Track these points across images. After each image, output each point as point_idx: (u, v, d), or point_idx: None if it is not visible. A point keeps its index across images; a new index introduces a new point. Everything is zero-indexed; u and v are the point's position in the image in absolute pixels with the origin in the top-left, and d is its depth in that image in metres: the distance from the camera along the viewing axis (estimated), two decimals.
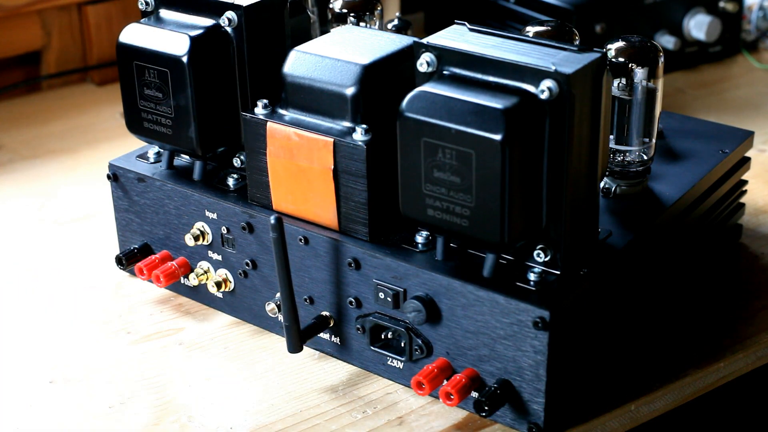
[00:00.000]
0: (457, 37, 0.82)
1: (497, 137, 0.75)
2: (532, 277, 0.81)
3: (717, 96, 1.40)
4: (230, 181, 0.95)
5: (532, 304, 0.79)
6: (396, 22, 1.13)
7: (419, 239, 0.86)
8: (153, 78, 0.93)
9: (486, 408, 0.81)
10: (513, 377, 0.82)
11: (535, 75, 0.77)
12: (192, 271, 0.98)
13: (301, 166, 0.87)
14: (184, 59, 0.91)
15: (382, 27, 1.07)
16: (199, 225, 0.96)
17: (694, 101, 1.38)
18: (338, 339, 0.91)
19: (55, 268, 1.06)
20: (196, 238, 0.96)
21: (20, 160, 1.28)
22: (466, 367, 0.84)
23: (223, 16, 0.93)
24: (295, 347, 0.88)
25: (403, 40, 0.89)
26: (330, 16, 1.05)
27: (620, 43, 0.91)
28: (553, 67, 0.76)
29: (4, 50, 1.43)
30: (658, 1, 1.39)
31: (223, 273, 0.96)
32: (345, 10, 1.04)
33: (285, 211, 0.90)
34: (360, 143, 0.84)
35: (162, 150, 1.00)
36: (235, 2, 0.92)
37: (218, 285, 0.96)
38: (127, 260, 1.00)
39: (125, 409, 0.87)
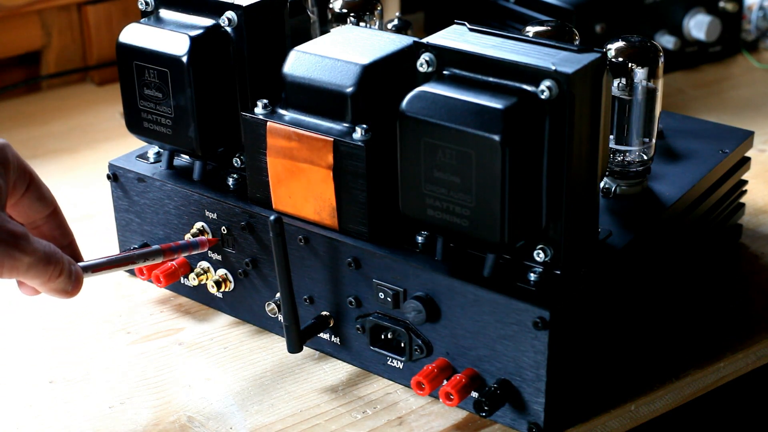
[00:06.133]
0: (457, 37, 0.82)
1: (497, 137, 0.75)
2: (532, 277, 0.81)
3: (717, 96, 1.40)
4: (230, 181, 0.95)
5: (532, 304, 0.79)
6: (396, 22, 1.13)
7: (419, 239, 0.86)
8: (153, 78, 0.93)
9: (486, 408, 0.81)
10: (513, 377, 0.82)
11: (535, 75, 0.77)
12: (192, 271, 0.98)
13: (301, 166, 0.87)
14: (184, 59, 0.91)
15: (382, 27, 1.07)
16: (199, 225, 0.96)
17: (694, 101, 1.38)
18: (338, 339, 0.91)
19: None
20: (195, 238, 0.96)
21: None
22: (466, 367, 0.84)
23: (223, 16, 0.93)
24: (295, 347, 0.88)
25: (403, 40, 0.89)
26: (330, 16, 1.05)
27: (620, 43, 0.91)
28: (553, 67, 0.76)
29: (4, 50, 1.43)
30: (658, 1, 1.39)
31: (222, 273, 0.96)
32: (345, 10, 1.04)
33: (285, 211, 0.90)
34: (360, 143, 0.84)
35: (162, 150, 1.00)
36: (235, 2, 0.92)
37: (218, 285, 0.96)
38: None
39: (125, 409, 0.87)
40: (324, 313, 0.91)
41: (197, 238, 0.93)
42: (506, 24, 1.38)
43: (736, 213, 1.05)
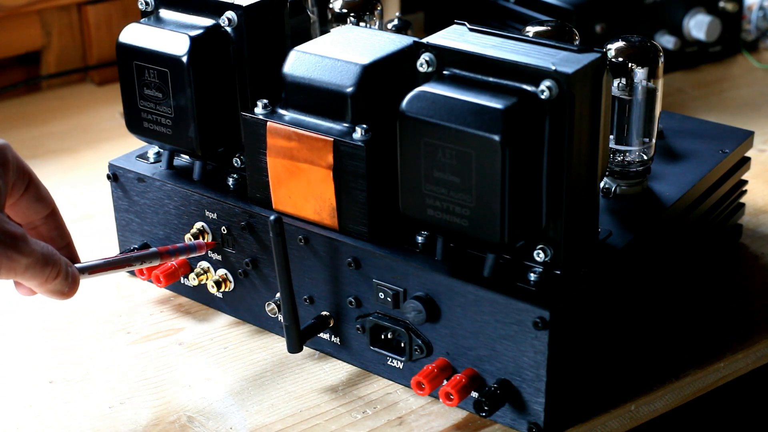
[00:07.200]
0: (457, 37, 0.82)
1: (497, 137, 0.75)
2: (532, 277, 0.81)
3: (717, 96, 1.40)
4: (230, 181, 0.95)
5: (532, 304, 0.79)
6: (396, 22, 1.13)
7: (419, 239, 0.86)
8: (153, 78, 0.93)
9: (486, 408, 0.81)
10: (513, 377, 0.82)
11: (535, 75, 0.77)
12: (192, 271, 0.98)
13: (301, 166, 0.87)
14: (184, 59, 0.91)
15: (382, 27, 1.07)
16: (199, 225, 0.96)
17: (694, 101, 1.38)
18: (338, 339, 0.91)
19: None
20: (195, 238, 0.96)
21: None
22: (466, 367, 0.84)
23: (223, 16, 0.93)
24: (295, 347, 0.88)
25: (403, 40, 0.89)
26: (330, 16, 1.06)
27: (620, 43, 0.91)
28: (553, 67, 0.76)
29: (4, 50, 1.43)
30: (658, 1, 1.39)
31: (222, 273, 0.96)
32: (345, 10, 1.04)
33: (285, 211, 0.90)
34: (360, 143, 0.84)
35: (162, 150, 1.00)
36: (235, 2, 0.92)
37: (218, 285, 0.96)
38: None
39: (125, 409, 0.87)
40: (324, 313, 0.91)
41: (195, 242, 0.93)
42: (506, 24, 1.38)
43: (736, 213, 1.05)
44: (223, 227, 0.94)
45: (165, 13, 0.96)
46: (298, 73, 0.88)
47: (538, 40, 0.81)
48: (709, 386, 0.91)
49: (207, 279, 0.97)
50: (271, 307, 0.93)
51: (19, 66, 1.47)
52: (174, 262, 0.97)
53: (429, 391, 0.83)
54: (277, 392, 0.89)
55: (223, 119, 0.95)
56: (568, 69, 0.76)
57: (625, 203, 0.92)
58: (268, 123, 0.88)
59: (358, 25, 1.04)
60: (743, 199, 1.07)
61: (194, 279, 0.97)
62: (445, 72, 0.81)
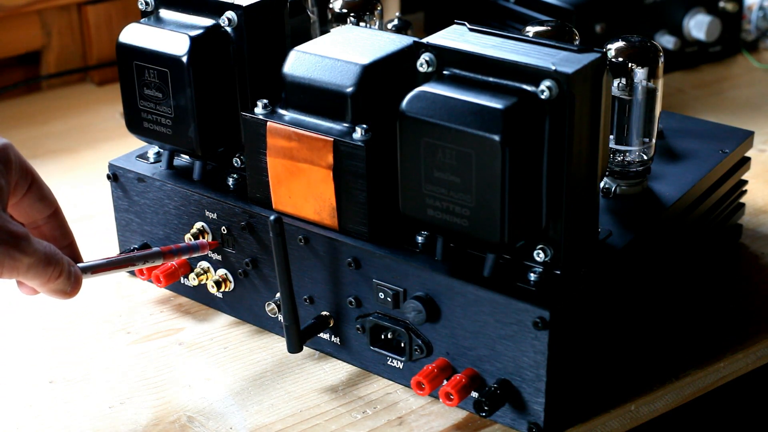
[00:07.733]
0: (457, 37, 0.82)
1: (497, 137, 0.75)
2: (532, 277, 0.81)
3: (717, 96, 1.40)
4: (230, 181, 0.95)
5: (532, 304, 0.79)
6: (396, 22, 1.13)
7: (419, 239, 0.86)
8: (153, 78, 0.93)
9: (486, 408, 0.81)
10: (513, 377, 0.82)
11: (535, 75, 0.77)
12: (192, 271, 0.98)
13: (301, 166, 0.87)
14: (184, 59, 0.91)
15: (382, 27, 1.07)
16: (199, 225, 0.96)
17: (694, 101, 1.38)
18: (338, 339, 0.91)
19: None
20: (196, 238, 0.96)
21: None
22: (466, 367, 0.84)
23: (223, 16, 0.93)
24: (295, 347, 0.88)
25: (403, 40, 0.89)
26: (330, 16, 1.06)
27: (620, 43, 0.91)
28: (553, 67, 0.76)
29: (4, 50, 1.43)
30: (658, 1, 1.39)
31: (222, 273, 0.96)
32: (345, 10, 1.04)
33: (285, 211, 0.90)
34: (360, 143, 0.84)
35: (162, 150, 1.00)
36: (235, 2, 0.92)
37: (218, 285, 0.96)
38: None
39: (125, 409, 0.87)
40: (324, 313, 0.91)
41: (197, 241, 0.93)
42: (506, 24, 1.38)
43: (736, 213, 1.05)
44: (223, 227, 0.94)
45: (165, 13, 0.96)
46: (298, 73, 0.88)
47: (538, 40, 0.81)
48: (709, 386, 0.91)
49: (207, 279, 0.97)
50: (271, 307, 0.93)
51: (19, 66, 1.47)
52: (175, 262, 0.97)
53: (429, 391, 0.83)
54: (277, 392, 0.89)
55: (223, 119, 0.95)
56: (568, 69, 0.76)
57: (625, 203, 0.92)
58: (268, 123, 0.88)
59: (358, 25, 1.04)
60: (743, 199, 1.07)
61: (194, 279, 0.97)
62: (445, 72, 0.81)
